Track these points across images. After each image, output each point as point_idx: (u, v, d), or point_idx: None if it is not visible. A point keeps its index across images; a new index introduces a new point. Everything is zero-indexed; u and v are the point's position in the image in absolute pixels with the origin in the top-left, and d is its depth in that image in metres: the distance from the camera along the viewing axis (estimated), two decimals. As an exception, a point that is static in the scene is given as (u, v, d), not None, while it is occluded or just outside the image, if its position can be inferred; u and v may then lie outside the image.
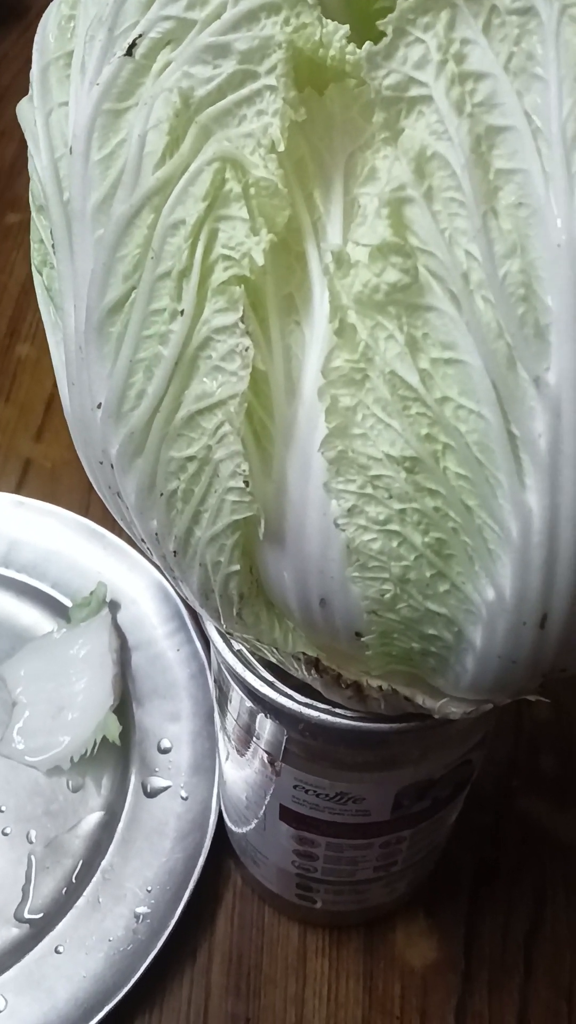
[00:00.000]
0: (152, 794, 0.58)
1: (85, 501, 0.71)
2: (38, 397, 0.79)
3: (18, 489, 0.73)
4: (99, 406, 0.30)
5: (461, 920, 0.56)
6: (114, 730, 0.58)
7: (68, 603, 0.66)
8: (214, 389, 0.28)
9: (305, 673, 0.32)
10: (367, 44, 0.27)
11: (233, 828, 0.53)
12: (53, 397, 0.79)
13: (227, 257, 0.27)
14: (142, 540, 0.33)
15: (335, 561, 0.29)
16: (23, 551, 0.68)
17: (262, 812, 0.45)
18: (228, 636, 0.36)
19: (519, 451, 0.26)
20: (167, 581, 0.65)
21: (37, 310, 0.86)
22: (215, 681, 0.43)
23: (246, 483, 0.28)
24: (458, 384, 0.26)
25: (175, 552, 0.31)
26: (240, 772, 0.45)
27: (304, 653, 0.31)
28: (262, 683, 0.36)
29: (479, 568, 0.27)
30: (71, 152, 0.30)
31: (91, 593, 0.65)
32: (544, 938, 0.55)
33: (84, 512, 0.70)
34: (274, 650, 0.32)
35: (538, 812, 0.59)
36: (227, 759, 0.47)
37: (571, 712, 0.63)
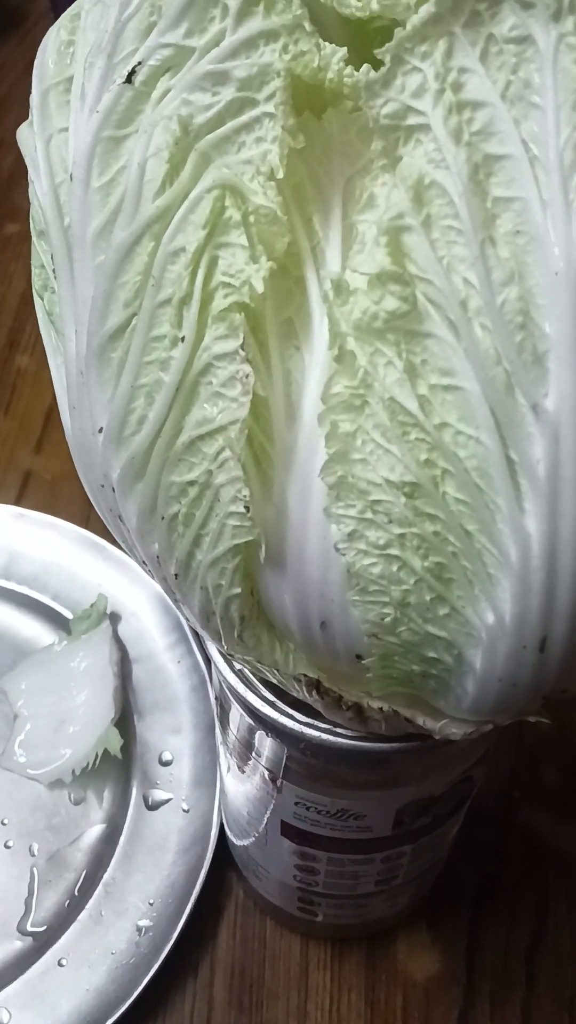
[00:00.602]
0: (154, 807, 0.58)
1: (85, 513, 0.71)
2: (38, 409, 0.79)
3: (18, 501, 0.73)
4: (100, 430, 0.30)
5: (463, 933, 0.56)
6: (115, 743, 0.58)
7: (69, 615, 0.66)
8: (215, 415, 0.28)
9: (306, 695, 0.32)
10: (365, 68, 0.27)
11: (235, 841, 0.53)
12: (53, 409, 0.79)
13: (227, 284, 0.27)
14: (143, 563, 0.33)
15: (335, 584, 0.29)
16: (23, 563, 0.68)
17: (263, 827, 0.45)
18: (229, 656, 0.36)
19: (518, 476, 0.26)
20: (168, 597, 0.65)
21: (37, 321, 0.86)
22: (216, 698, 0.43)
23: (247, 508, 0.28)
24: (457, 410, 0.26)
25: (176, 575, 0.31)
26: (241, 787, 0.45)
27: (305, 675, 0.31)
28: (263, 703, 0.36)
29: (479, 592, 0.28)
30: (71, 179, 0.30)
31: (92, 605, 0.65)
32: (546, 950, 0.55)
33: (84, 524, 0.70)
34: (275, 671, 0.33)
35: (540, 824, 0.59)
36: (228, 773, 0.48)
37: (572, 723, 0.63)
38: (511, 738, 0.62)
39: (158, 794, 0.58)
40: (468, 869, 0.57)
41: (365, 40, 0.31)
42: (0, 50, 1.12)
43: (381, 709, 0.31)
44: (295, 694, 0.33)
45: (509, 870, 0.58)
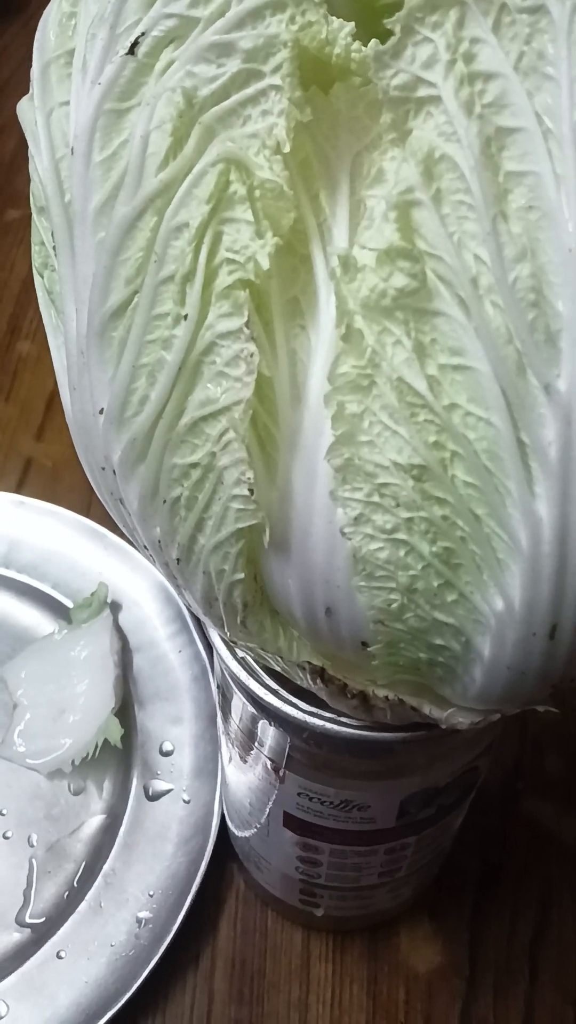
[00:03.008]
0: (154, 797, 0.57)
1: (86, 501, 0.71)
2: (39, 395, 0.78)
3: (19, 488, 0.73)
4: (101, 411, 0.30)
5: (466, 924, 0.55)
6: (116, 733, 0.57)
7: (69, 604, 0.65)
8: (218, 395, 0.27)
9: (310, 683, 0.32)
10: (373, 42, 0.26)
11: (236, 832, 0.53)
12: (54, 395, 0.78)
13: (232, 261, 0.27)
14: (145, 547, 0.32)
15: (341, 570, 0.28)
16: (24, 551, 0.68)
17: (265, 818, 0.45)
18: (232, 643, 0.36)
19: (529, 459, 0.26)
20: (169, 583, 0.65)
21: (38, 307, 0.85)
22: (218, 687, 0.42)
23: (251, 491, 0.27)
24: (467, 391, 0.26)
25: (178, 560, 0.30)
26: (243, 777, 0.45)
27: (309, 663, 0.31)
28: (266, 691, 0.35)
29: (488, 578, 0.27)
30: (72, 153, 0.29)
31: (92, 594, 0.65)
32: (550, 942, 0.55)
33: (85, 512, 0.69)
34: (278, 659, 0.32)
35: (544, 815, 0.59)
36: (230, 763, 0.47)
37: (576, 714, 0.62)
38: (515, 728, 0.62)
39: (159, 784, 0.58)
40: (471, 859, 0.57)
41: (372, 17, 0.30)
42: (2, 35, 1.11)
43: (387, 697, 0.31)
44: (299, 682, 0.33)
45: (512, 861, 0.57)
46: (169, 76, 0.27)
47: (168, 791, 0.57)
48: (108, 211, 0.28)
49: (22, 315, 0.83)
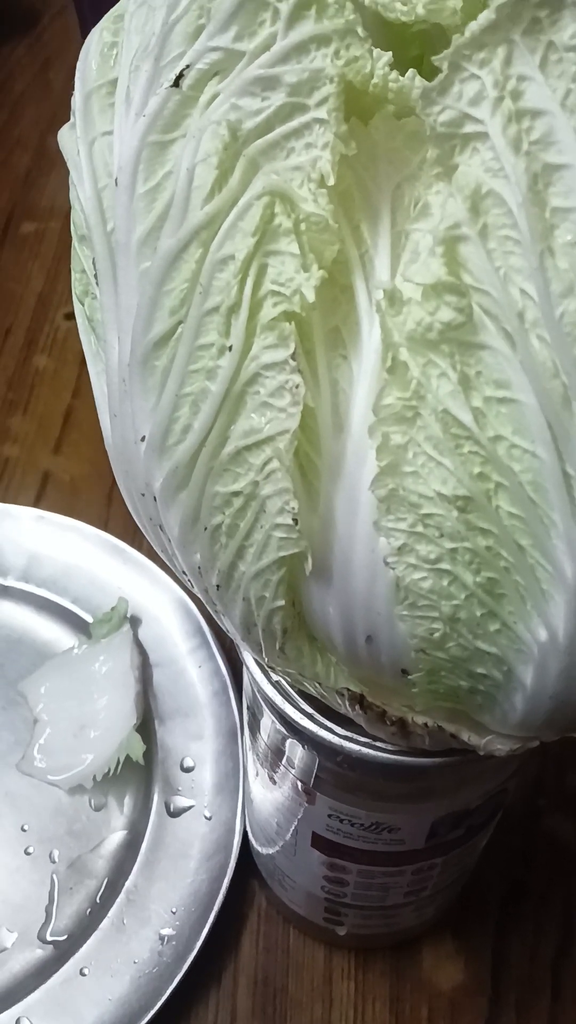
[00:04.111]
0: (175, 814, 0.57)
1: (104, 515, 0.71)
2: (56, 409, 0.79)
3: (37, 503, 0.73)
4: (143, 439, 0.30)
5: (489, 942, 0.55)
6: (138, 749, 0.57)
7: (89, 619, 0.65)
8: (262, 425, 0.27)
9: (348, 708, 0.32)
10: (410, 72, 0.26)
11: (260, 850, 0.53)
12: (72, 409, 0.78)
13: (277, 293, 0.27)
14: (184, 573, 0.32)
15: (382, 598, 0.28)
16: (43, 566, 0.68)
17: (292, 837, 0.45)
18: (268, 667, 0.36)
19: (574, 491, 0.26)
20: (189, 597, 0.65)
21: (54, 321, 0.86)
22: (248, 707, 0.42)
23: (295, 520, 0.28)
24: (512, 423, 0.26)
25: (218, 586, 0.31)
26: (270, 796, 0.45)
27: (348, 689, 0.31)
28: (301, 715, 0.35)
29: (531, 608, 0.27)
30: (116, 183, 0.29)
31: (112, 609, 0.65)
32: (573, 959, 0.55)
33: (103, 526, 0.69)
34: (316, 684, 0.32)
35: (565, 832, 0.59)
36: (256, 780, 0.47)
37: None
38: (537, 746, 0.61)
39: (180, 801, 0.58)
40: (494, 877, 0.57)
41: (404, 44, 0.31)
42: (15, 50, 1.11)
43: (426, 724, 0.31)
44: (336, 707, 0.33)
45: (535, 878, 0.57)
46: (214, 109, 0.28)
47: (189, 807, 0.57)
48: (152, 242, 0.28)
49: (39, 329, 0.84)
